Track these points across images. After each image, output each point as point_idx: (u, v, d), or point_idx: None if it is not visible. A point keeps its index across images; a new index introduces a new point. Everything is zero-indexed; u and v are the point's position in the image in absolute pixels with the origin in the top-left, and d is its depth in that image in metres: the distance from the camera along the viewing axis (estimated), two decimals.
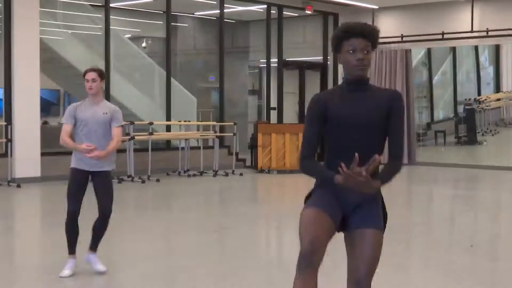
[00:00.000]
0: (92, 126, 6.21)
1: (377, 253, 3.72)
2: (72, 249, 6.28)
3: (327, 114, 3.85)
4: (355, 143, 3.71)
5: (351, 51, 3.79)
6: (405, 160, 18.42)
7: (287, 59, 19.02)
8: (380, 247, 3.74)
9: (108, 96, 15.40)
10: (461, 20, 18.07)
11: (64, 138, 6.19)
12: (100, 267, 6.35)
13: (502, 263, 7.40)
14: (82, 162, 6.20)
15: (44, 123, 17.34)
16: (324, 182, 3.78)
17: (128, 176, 14.12)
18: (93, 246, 6.40)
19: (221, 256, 7.44)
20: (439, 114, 23.53)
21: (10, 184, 12.99)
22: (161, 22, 17.67)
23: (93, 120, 6.21)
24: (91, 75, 6.24)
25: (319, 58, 20.06)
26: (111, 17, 15.65)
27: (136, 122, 14.92)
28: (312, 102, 4.00)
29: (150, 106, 17.31)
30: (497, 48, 22.80)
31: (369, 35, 3.89)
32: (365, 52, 3.81)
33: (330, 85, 19.85)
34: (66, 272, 6.19)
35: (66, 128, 6.22)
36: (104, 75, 6.42)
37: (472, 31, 17.80)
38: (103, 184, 6.33)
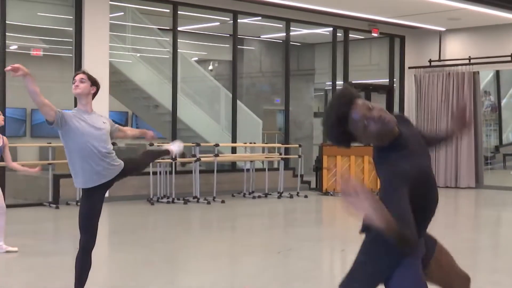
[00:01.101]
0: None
1: None
2: None
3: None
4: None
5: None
6: (473, 183, 18.16)
7: (352, 81, 19.00)
8: None
9: (175, 119, 15.64)
10: (506, 44, 17.82)
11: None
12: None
13: None
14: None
15: (113, 144, 17.62)
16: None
17: (194, 197, 14.25)
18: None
19: (284, 278, 7.44)
20: (508, 137, 23.12)
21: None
22: (228, 45, 17.87)
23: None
24: (80, 76, 5.74)
25: (385, 81, 19.98)
26: (178, 40, 15.90)
27: (202, 144, 15.07)
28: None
29: (216, 128, 17.47)
30: None
31: None
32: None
33: (396, 108, 19.73)
34: None
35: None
36: (97, 84, 5.88)
37: None
38: None
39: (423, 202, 3.30)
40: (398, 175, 3.23)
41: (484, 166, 18.91)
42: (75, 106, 5.77)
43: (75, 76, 5.72)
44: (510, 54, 17.81)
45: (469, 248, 9.68)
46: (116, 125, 6.07)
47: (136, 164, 6.20)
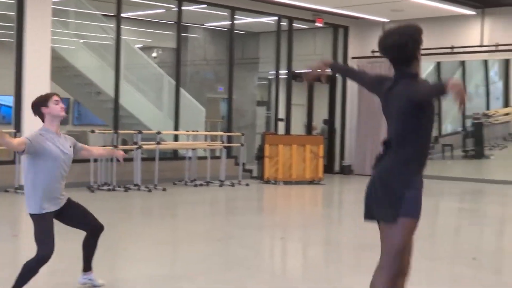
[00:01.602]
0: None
1: None
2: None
3: None
4: None
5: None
6: None
7: (296, 71, 19.11)
8: None
9: (117, 106, 15.54)
10: (471, 35, 18.13)
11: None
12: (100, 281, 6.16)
13: (505, 276, 7.44)
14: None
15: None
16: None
17: (135, 185, 14.20)
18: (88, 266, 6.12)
19: (224, 266, 7.49)
20: (447, 127, 23.52)
21: (18, 191, 13.09)
22: (172, 33, 17.80)
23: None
24: (58, 98, 5.61)
25: (328, 71, 20.10)
26: (122, 27, 15.78)
27: (144, 132, 15.01)
28: None
29: (158, 115, 17.43)
30: (507, 63, 22.79)
31: None
32: None
33: (338, 98, 19.92)
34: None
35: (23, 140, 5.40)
36: None
37: (481, 46, 17.87)
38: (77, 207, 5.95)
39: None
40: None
41: None
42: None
43: (53, 97, 5.58)
44: (451, 46, 18.13)
45: None
46: (80, 145, 5.95)
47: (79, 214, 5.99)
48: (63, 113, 5.59)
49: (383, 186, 4.26)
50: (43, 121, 5.58)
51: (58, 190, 5.61)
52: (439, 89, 3.97)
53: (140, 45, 20.33)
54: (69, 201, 5.82)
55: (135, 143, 14.35)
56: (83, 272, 6.10)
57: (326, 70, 4.88)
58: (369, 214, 4.43)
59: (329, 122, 20.17)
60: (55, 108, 5.53)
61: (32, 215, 5.53)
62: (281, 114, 19.02)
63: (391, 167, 4.24)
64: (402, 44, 4.20)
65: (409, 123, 4.17)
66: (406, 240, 4.29)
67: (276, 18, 18.52)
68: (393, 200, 4.18)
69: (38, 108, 5.54)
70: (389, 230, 4.25)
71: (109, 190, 13.78)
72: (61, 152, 5.54)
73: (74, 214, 5.89)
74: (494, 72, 24.13)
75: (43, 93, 5.76)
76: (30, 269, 5.49)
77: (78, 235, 6.09)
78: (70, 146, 5.70)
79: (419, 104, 4.12)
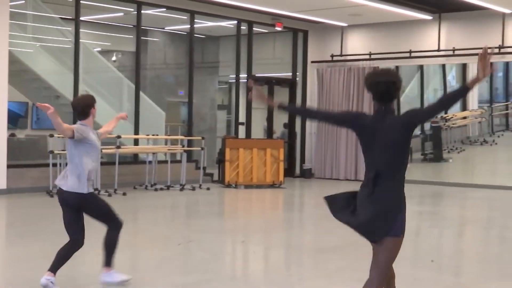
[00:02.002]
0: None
1: None
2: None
3: None
4: None
5: None
6: None
7: (256, 75, 19.15)
8: None
9: None
10: (429, 39, 18.34)
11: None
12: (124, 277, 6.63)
13: (463, 278, 7.54)
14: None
15: (11, 135, 17.26)
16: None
17: (95, 189, 14.05)
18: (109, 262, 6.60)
19: (184, 270, 7.47)
20: None
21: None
22: (131, 36, 17.72)
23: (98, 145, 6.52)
24: None
25: (288, 74, 20.20)
26: (81, 30, 15.67)
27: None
28: None
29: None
30: (464, 67, 23.12)
31: None
32: None
33: (299, 101, 19.99)
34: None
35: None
36: None
37: (439, 50, 18.08)
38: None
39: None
40: None
41: None
42: None
43: (94, 104, 6.50)
44: (409, 50, 18.31)
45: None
46: (99, 131, 6.78)
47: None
48: (95, 118, 6.58)
49: (384, 210, 4.65)
50: (84, 118, 6.41)
51: (94, 174, 6.49)
52: (463, 90, 4.49)
53: (99, 49, 20.19)
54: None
55: None
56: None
57: (252, 86, 5.01)
58: (363, 230, 4.83)
59: (289, 125, 20.23)
60: (94, 111, 6.49)
61: (83, 195, 6.28)
62: (242, 118, 19.02)
63: (392, 192, 4.66)
64: (392, 82, 4.62)
65: (404, 150, 4.62)
66: (396, 255, 4.78)
67: (236, 22, 18.54)
68: (390, 221, 4.67)
69: (89, 107, 6.43)
70: (380, 247, 4.69)
71: None
72: (98, 142, 6.48)
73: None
74: (452, 76, 24.46)
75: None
76: (116, 242, 6.58)
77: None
78: (98, 140, 6.54)
79: (414, 129, 4.62)
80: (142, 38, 17.20)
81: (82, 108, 6.43)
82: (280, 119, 20.47)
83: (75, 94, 15.39)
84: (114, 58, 21.34)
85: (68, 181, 6.26)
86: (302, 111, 5.93)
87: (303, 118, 5.65)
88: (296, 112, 5.62)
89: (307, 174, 19.57)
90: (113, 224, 6.57)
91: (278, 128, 20.71)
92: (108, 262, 6.55)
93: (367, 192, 4.60)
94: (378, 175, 4.57)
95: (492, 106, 23.71)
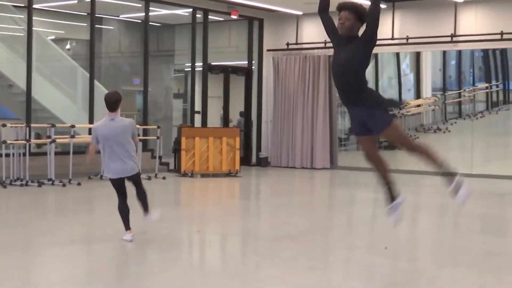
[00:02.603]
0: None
1: None
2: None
3: None
4: None
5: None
6: (328, 164, 18.74)
7: (212, 63, 19.09)
8: None
9: (29, 99, 15.22)
10: (383, 28, 18.44)
11: None
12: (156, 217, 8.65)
13: (418, 263, 7.63)
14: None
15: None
16: None
17: (49, 180, 13.95)
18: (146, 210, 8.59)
19: (139, 260, 7.44)
20: None
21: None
22: (85, 24, 17.53)
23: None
24: None
25: (244, 63, 20.19)
26: (34, 18, 15.45)
27: (57, 125, 14.76)
28: None
29: (72, 108, 17.15)
30: (417, 55, 23.32)
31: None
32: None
33: (255, 90, 20.00)
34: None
35: None
36: None
37: (393, 38, 18.22)
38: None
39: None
40: None
41: (338, 148, 19.52)
42: None
43: None
44: None
45: (324, 227, 10.02)
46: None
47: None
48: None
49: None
50: (115, 110, 8.11)
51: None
52: None
53: (52, 37, 19.93)
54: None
55: (49, 137, 14.09)
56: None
57: None
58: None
59: (246, 114, 20.24)
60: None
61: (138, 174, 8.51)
62: (198, 106, 18.97)
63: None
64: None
65: None
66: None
67: (191, 10, 18.45)
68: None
69: (119, 102, 8.09)
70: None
71: (21, 185, 13.48)
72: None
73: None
74: (406, 64, 24.65)
75: None
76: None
77: None
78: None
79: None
80: (96, 26, 17.03)
81: (118, 102, 8.10)
82: (237, 107, 20.46)
83: (28, 83, 15.20)
84: (68, 46, 21.08)
85: None
86: None
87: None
88: None
89: (263, 162, 19.61)
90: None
91: (235, 116, 20.71)
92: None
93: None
94: None
95: (445, 94, 23.97)
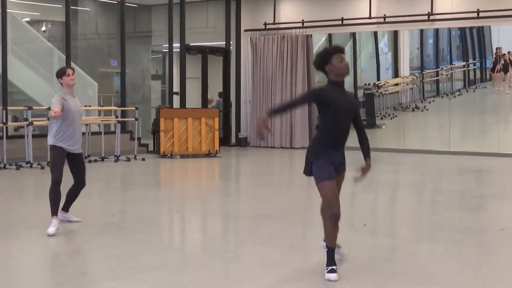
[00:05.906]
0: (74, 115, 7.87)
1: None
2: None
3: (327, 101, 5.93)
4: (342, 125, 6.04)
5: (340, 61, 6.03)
6: (306, 143, 18.77)
7: (189, 44, 19.01)
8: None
9: (5, 82, 15.09)
10: (360, 7, 18.47)
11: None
12: (75, 218, 8.25)
13: (394, 241, 7.68)
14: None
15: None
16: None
17: (27, 163, 13.88)
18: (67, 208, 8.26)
19: (117, 241, 7.43)
20: None
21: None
22: (61, 6, 17.37)
23: (77, 111, 7.91)
24: (71, 70, 7.88)
25: (221, 43, 20.12)
26: (8, 0, 15.29)
27: (34, 108, 14.67)
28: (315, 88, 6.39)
29: (49, 91, 17.02)
30: (395, 34, 23.35)
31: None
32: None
33: (233, 70, 19.96)
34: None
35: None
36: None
37: (370, 18, 18.24)
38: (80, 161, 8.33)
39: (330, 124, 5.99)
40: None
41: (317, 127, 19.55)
42: None
43: (67, 70, 7.88)
44: (341, 18, 18.42)
45: (304, 206, 10.06)
46: None
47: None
48: (72, 83, 7.90)
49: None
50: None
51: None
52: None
53: (27, 19, 19.74)
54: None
55: (26, 120, 14.00)
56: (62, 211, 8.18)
57: (268, 127, 5.69)
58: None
59: (224, 95, 20.21)
60: (66, 79, 7.83)
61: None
62: (176, 87, 18.91)
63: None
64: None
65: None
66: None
67: None
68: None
69: (57, 77, 7.87)
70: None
71: None
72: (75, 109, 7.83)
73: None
74: (384, 43, 24.66)
75: None
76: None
77: None
78: (81, 106, 8.10)
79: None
80: (72, 7, 16.92)
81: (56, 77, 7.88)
82: (215, 88, 20.42)
83: (4, 65, 15.08)
84: (43, 28, 20.90)
85: None
86: (285, 107, 6.05)
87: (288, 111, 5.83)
88: (282, 111, 6.05)
89: (242, 142, 19.62)
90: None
91: (213, 97, 20.67)
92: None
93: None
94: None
95: (423, 72, 24.05)
